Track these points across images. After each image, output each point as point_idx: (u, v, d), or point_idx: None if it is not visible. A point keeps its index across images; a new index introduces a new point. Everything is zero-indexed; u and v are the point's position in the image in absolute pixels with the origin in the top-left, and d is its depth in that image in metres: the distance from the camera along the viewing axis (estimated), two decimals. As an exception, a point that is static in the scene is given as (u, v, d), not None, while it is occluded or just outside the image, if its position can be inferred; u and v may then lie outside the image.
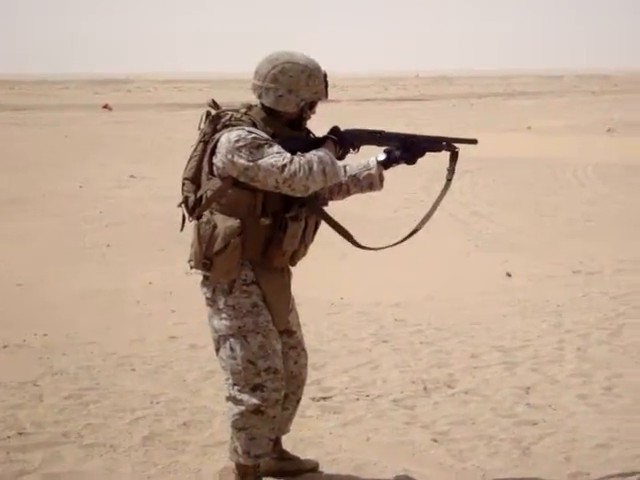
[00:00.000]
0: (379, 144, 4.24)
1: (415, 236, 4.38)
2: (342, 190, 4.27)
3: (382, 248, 4.40)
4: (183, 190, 4.09)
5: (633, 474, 4.51)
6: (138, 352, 6.46)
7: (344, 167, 4.24)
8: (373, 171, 4.23)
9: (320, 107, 4.20)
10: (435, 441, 4.92)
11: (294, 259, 4.11)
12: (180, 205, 4.10)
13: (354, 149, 4.19)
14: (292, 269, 4.21)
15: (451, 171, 4.32)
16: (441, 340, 6.74)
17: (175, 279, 8.54)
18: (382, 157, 4.24)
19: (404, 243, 4.39)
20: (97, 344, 6.64)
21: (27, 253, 9.93)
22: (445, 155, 4.36)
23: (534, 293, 8.14)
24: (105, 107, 41.11)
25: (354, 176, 4.25)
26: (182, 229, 4.15)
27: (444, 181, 4.37)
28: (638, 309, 7.54)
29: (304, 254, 4.15)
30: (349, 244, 4.29)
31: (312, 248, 4.20)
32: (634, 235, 10.90)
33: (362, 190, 4.30)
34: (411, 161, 4.25)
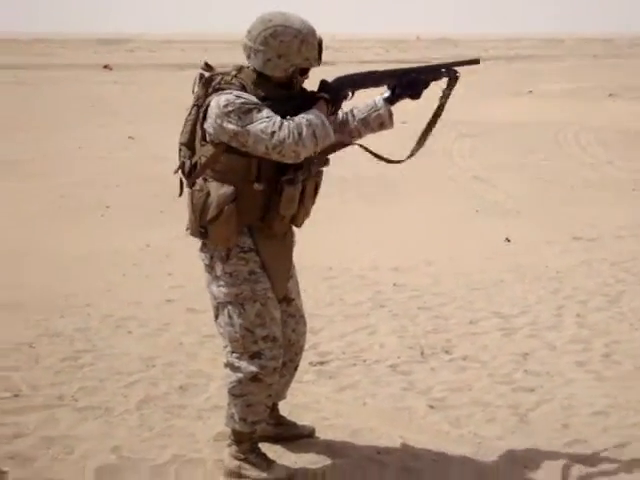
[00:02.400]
0: (375, 85, 4.12)
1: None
2: (353, 135, 4.17)
3: (405, 159, 4.27)
4: (180, 155, 4.02)
5: (631, 442, 4.50)
6: (135, 314, 6.44)
7: (351, 111, 4.15)
8: (382, 111, 4.11)
9: (315, 69, 4.10)
10: (432, 407, 4.90)
11: (295, 222, 4.05)
12: (177, 171, 4.04)
13: (347, 98, 4.08)
14: (295, 232, 4.16)
15: (447, 95, 4.17)
16: (439, 305, 6.72)
17: (173, 241, 8.50)
18: (387, 94, 4.12)
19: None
20: (94, 306, 6.62)
21: (26, 214, 9.88)
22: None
23: (533, 259, 8.10)
24: (106, 67, 40.85)
25: (363, 119, 4.13)
26: (181, 194, 4.09)
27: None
28: (638, 276, 7.52)
29: (306, 215, 4.08)
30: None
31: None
32: (635, 202, 10.86)
33: (373, 131, 4.18)
34: (416, 95, 4.12)
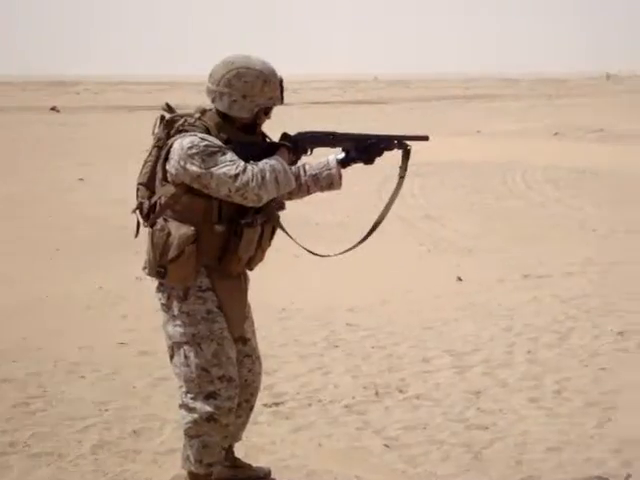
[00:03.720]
0: (333, 146, 4.22)
1: (368, 240, 4.36)
2: (302, 190, 4.23)
3: (339, 254, 4.40)
4: (138, 195, 4.03)
5: (584, 477, 4.55)
6: (88, 359, 6.38)
7: (303, 166, 4.22)
8: (333, 171, 4.19)
9: (275, 110, 4.17)
10: (387, 447, 4.92)
11: (250, 264, 4.08)
12: (135, 211, 4.05)
13: (307, 153, 4.17)
14: (249, 274, 4.18)
15: (403, 168, 4.30)
16: (393, 344, 6.75)
17: (125, 284, 8.46)
18: (341, 156, 4.22)
19: (359, 247, 4.37)
20: (46, 350, 6.55)
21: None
22: (397, 157, 4.34)
23: (485, 297, 8.19)
24: (53, 109, 40.63)
25: (314, 175, 4.20)
26: (137, 235, 4.09)
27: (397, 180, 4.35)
28: (587, 312, 7.62)
29: (261, 259, 4.12)
30: (300, 249, 4.27)
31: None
32: (583, 239, 11.03)
33: (322, 189, 4.26)
34: (369, 161, 4.24)
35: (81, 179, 16.27)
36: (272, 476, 4.52)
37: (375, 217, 4.37)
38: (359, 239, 4.36)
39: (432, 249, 10.47)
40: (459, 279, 8.87)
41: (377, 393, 5.73)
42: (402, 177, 4.33)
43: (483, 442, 4.97)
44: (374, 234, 4.37)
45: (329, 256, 4.35)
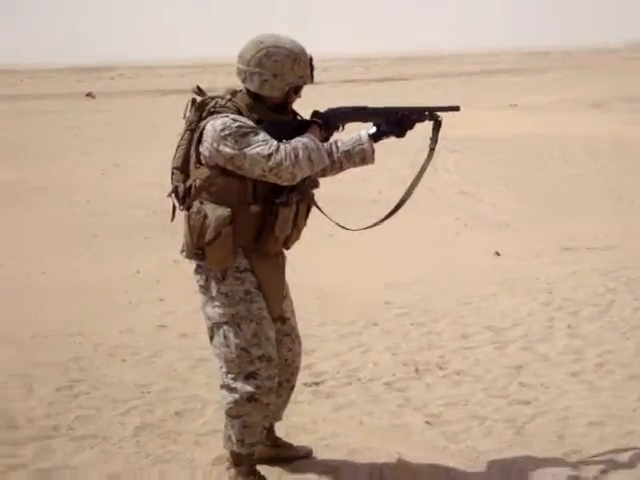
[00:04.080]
0: (364, 120, 4.20)
1: (403, 217, 4.36)
2: (335, 166, 4.21)
3: (369, 227, 4.40)
4: (172, 179, 4.04)
5: (626, 450, 4.51)
6: (128, 342, 6.42)
7: (336, 142, 4.19)
8: (365, 145, 4.16)
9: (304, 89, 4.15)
10: (428, 423, 4.91)
11: (287, 243, 4.08)
12: (170, 195, 4.06)
13: (338, 129, 4.15)
14: (285, 253, 4.18)
15: (434, 140, 4.26)
16: (431, 321, 6.73)
17: (163, 267, 8.50)
18: (373, 130, 4.18)
19: (394, 224, 4.36)
20: (86, 335, 6.60)
21: (12, 245, 9.86)
22: (429, 130, 4.31)
23: (523, 271, 8.13)
24: (88, 95, 40.86)
25: (347, 151, 4.18)
26: (173, 219, 4.11)
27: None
28: (627, 285, 7.55)
29: (297, 238, 4.12)
30: (335, 228, 4.26)
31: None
32: (622, 210, 10.92)
33: (355, 165, 4.24)
34: (400, 134, 4.20)
35: (117, 164, 16.35)
36: (313, 455, 4.53)
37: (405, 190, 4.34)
38: (389, 210, 4.33)
39: (469, 224, 10.41)
40: (497, 254, 8.82)
41: (417, 370, 5.71)
42: (432, 149, 4.29)
43: (525, 417, 4.95)
44: (408, 209, 4.35)
45: (360, 230, 4.36)
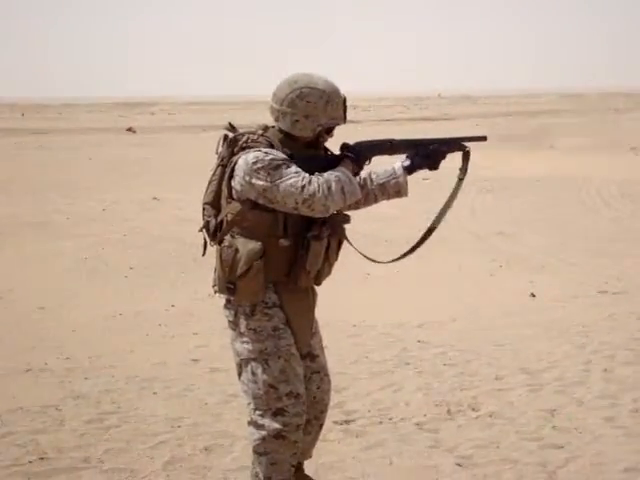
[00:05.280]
0: (391, 153, 4.19)
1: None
2: (369, 199, 4.21)
3: (395, 260, 4.35)
4: (204, 215, 4.07)
5: (662, 499, 4.43)
6: (160, 375, 6.43)
7: (369, 175, 4.19)
8: (400, 179, 4.15)
9: (340, 129, 4.17)
10: (459, 465, 4.85)
11: (319, 278, 4.07)
12: (201, 230, 4.08)
13: (367, 161, 4.14)
14: (317, 289, 4.18)
15: (463, 170, 4.24)
16: (465, 362, 6.67)
17: (197, 301, 8.53)
18: (407, 163, 4.16)
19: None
20: (119, 367, 6.62)
21: (50, 276, 9.95)
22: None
23: (559, 314, 8.05)
24: (129, 130, 41.35)
25: (382, 185, 4.17)
26: (204, 254, 4.12)
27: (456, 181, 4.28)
28: (665, 329, 7.44)
29: (329, 273, 4.11)
30: (370, 264, 4.25)
31: (334, 268, 4.16)
32: (660, 254, 10.79)
33: (389, 197, 4.23)
34: (434, 166, 4.19)
35: (155, 198, 16.48)
36: (342, 494, 4.49)
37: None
38: (416, 242, 4.32)
39: (504, 265, 10.35)
40: (532, 295, 8.75)
41: (449, 411, 5.66)
42: (462, 179, 4.26)
43: (558, 461, 4.87)
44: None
45: (388, 262, 4.33)
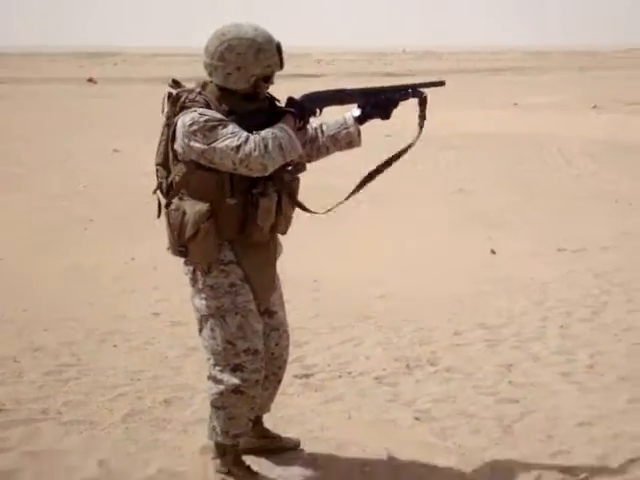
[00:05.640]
0: (343, 103, 4.11)
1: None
2: (321, 151, 4.16)
3: (330, 210, 4.27)
4: (157, 176, 4.03)
5: (615, 452, 4.52)
6: (120, 328, 6.42)
7: (321, 127, 4.13)
8: (351, 129, 4.10)
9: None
10: (417, 419, 4.91)
11: (277, 230, 4.04)
12: (155, 191, 4.04)
13: (315, 114, 4.06)
14: (281, 240, 4.16)
15: (422, 117, 4.15)
16: (424, 317, 6.73)
17: (158, 255, 8.46)
18: (357, 112, 4.10)
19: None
20: (78, 320, 6.60)
21: (7, 227, 9.85)
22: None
23: (518, 270, 8.13)
24: (90, 80, 40.80)
25: (332, 136, 4.12)
26: (159, 215, 4.10)
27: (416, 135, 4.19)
28: (621, 287, 7.55)
29: (288, 224, 4.07)
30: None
31: (297, 221, 4.12)
32: (619, 213, 10.91)
33: (341, 149, 4.18)
34: (385, 115, 4.11)
35: (116, 150, 16.33)
36: (301, 447, 4.53)
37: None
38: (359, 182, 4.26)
39: (465, 222, 10.40)
40: (492, 252, 8.82)
41: (408, 366, 5.72)
42: (422, 126, 4.18)
43: (514, 416, 4.95)
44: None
45: (327, 211, 4.25)
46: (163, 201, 4.02)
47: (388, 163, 4.25)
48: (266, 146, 3.72)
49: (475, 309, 6.95)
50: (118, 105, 27.12)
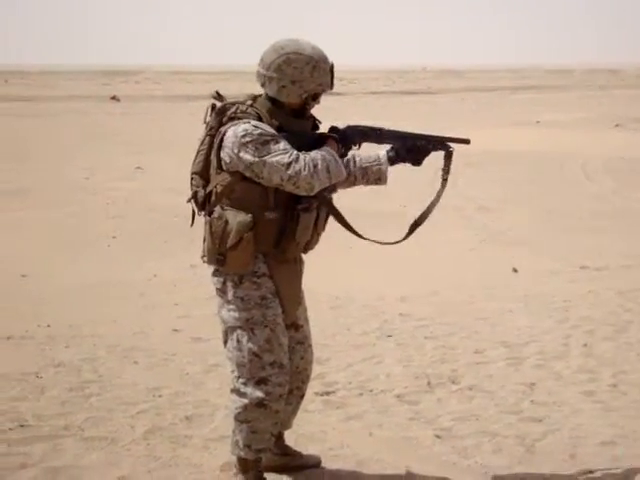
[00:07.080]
0: (378, 142, 4.21)
1: (421, 229, 4.34)
2: (349, 180, 4.23)
3: (386, 244, 4.38)
4: (192, 185, 4.05)
5: (638, 472, 4.47)
6: (141, 345, 6.43)
7: (354, 158, 4.22)
8: (383, 167, 4.21)
9: (327, 100, 4.17)
10: (438, 437, 4.88)
11: (307, 248, 4.10)
12: (189, 200, 4.07)
13: (355, 145, 4.17)
14: (304, 258, 4.19)
15: (446, 170, 4.27)
16: (445, 335, 6.70)
17: (179, 272, 8.52)
18: (392, 153, 4.21)
19: (412, 237, 4.35)
20: (100, 336, 6.61)
21: (31, 244, 9.92)
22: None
23: (540, 288, 8.09)
24: (113, 98, 41.10)
25: (364, 168, 4.22)
26: (192, 224, 4.12)
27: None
28: (645, 305, 7.49)
29: (317, 242, 4.13)
30: (354, 237, 4.25)
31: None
32: (641, 230, 10.84)
33: (368, 183, 4.28)
34: (417, 162, 4.23)
35: (139, 167, 16.41)
36: (322, 465, 4.51)
37: (426, 204, 4.32)
38: (402, 237, 4.33)
39: (487, 239, 10.38)
40: (514, 270, 8.79)
41: (429, 383, 5.69)
42: (445, 179, 4.29)
43: (536, 435, 4.91)
44: (427, 225, 4.35)
45: (378, 242, 4.33)
46: (196, 211, 4.04)
47: (426, 213, 4.33)
48: (315, 166, 3.79)
49: (497, 327, 6.92)
50: (140, 122, 27.28)
